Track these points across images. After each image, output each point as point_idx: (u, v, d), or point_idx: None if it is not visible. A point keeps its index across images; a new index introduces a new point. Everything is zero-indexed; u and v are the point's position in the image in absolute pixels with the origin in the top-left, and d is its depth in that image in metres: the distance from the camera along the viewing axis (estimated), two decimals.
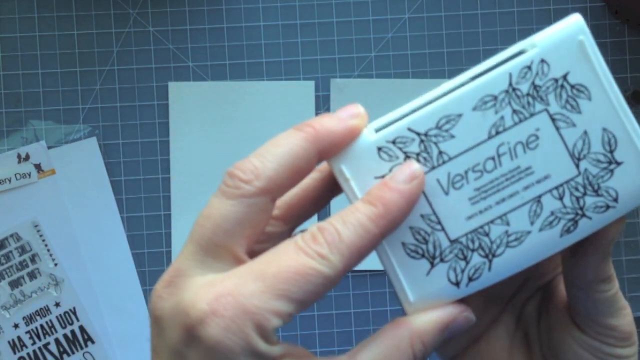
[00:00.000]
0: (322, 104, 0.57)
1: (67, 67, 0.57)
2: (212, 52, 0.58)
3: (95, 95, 0.57)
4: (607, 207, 0.27)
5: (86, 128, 0.57)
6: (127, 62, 0.57)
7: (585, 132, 0.27)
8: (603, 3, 0.58)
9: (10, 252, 0.56)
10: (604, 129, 0.27)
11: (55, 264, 0.56)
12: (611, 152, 0.27)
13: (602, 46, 0.58)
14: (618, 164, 0.27)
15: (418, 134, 0.27)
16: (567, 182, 0.27)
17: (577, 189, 0.27)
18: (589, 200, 0.27)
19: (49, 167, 0.56)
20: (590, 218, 0.27)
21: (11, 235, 0.56)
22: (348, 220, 0.25)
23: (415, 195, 0.27)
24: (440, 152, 0.27)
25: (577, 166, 0.27)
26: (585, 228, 0.27)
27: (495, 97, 0.27)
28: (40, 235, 0.56)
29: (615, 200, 0.27)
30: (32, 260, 0.56)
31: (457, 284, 0.28)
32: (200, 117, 0.57)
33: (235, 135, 0.57)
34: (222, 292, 0.24)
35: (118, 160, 0.57)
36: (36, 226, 0.56)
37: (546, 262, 0.32)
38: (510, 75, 0.27)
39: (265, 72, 0.58)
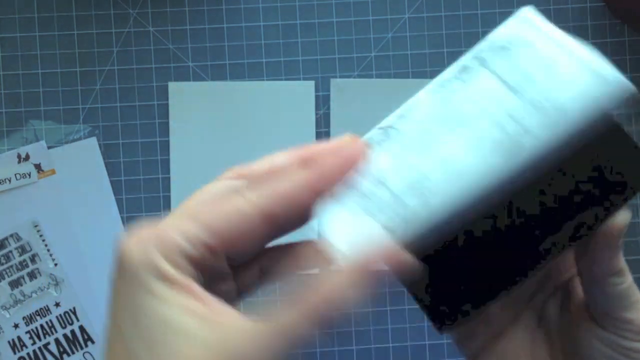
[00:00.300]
0: (322, 104, 0.57)
1: (67, 67, 0.57)
2: (212, 52, 0.58)
3: (95, 95, 0.57)
4: (555, 119, 0.26)
5: (86, 128, 0.57)
6: (127, 62, 0.57)
7: (525, 69, 0.27)
8: (603, 3, 0.58)
9: (10, 252, 0.56)
10: (543, 59, 0.27)
11: (55, 264, 0.56)
12: (550, 73, 0.26)
13: (602, 46, 0.58)
14: (559, 78, 0.26)
15: (384, 127, 0.28)
16: (507, 110, 0.26)
17: (519, 114, 0.26)
18: (533, 120, 0.26)
19: (49, 167, 0.56)
20: (536, 136, 0.26)
21: (11, 235, 0.56)
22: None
23: (349, 151, 0.26)
24: (395, 129, 0.28)
25: (517, 94, 0.27)
26: (534, 146, 0.26)
27: (449, 80, 0.29)
28: (40, 235, 0.56)
29: (561, 110, 0.26)
30: (32, 260, 0.56)
31: (393, 229, 0.26)
32: (200, 117, 0.57)
33: (235, 135, 0.57)
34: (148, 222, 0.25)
35: (118, 160, 0.57)
36: (36, 226, 0.56)
37: (563, 261, 0.33)
38: (463, 60, 0.29)
39: (265, 72, 0.58)
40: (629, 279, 0.30)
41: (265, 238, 0.26)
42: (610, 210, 0.28)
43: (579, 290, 0.33)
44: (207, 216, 0.24)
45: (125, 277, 0.24)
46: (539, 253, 0.28)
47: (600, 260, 0.30)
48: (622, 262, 0.30)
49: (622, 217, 0.29)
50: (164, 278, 0.23)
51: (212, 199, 0.26)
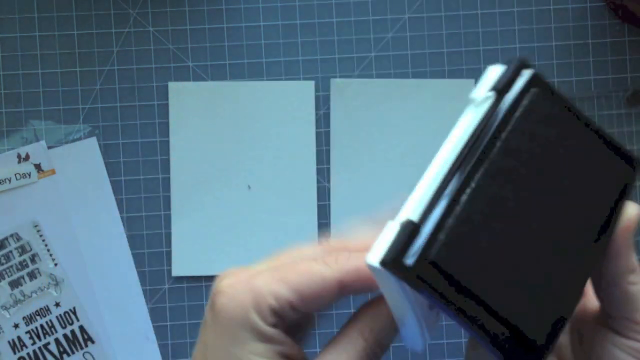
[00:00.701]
0: (322, 104, 0.57)
1: (67, 67, 0.57)
2: (212, 52, 0.58)
3: (95, 95, 0.57)
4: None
5: (86, 128, 0.57)
6: (127, 62, 0.57)
7: None
8: (603, 3, 0.58)
9: (10, 252, 0.56)
10: None
11: (55, 264, 0.56)
12: None
13: (602, 46, 0.58)
14: None
15: None
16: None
17: None
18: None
19: (49, 167, 0.56)
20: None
21: (11, 235, 0.56)
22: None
23: None
24: None
25: None
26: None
27: None
28: (40, 235, 0.56)
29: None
30: (32, 260, 0.56)
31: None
32: (200, 117, 0.57)
33: (235, 135, 0.57)
34: (243, 274, 0.29)
35: (118, 160, 0.57)
36: (36, 226, 0.56)
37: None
38: None
39: (265, 72, 0.58)
40: None
41: (336, 298, 0.29)
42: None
43: (589, 310, 0.32)
44: (294, 278, 0.29)
45: (223, 331, 0.28)
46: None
47: (619, 256, 0.29)
48: (636, 261, 0.29)
49: (633, 209, 0.29)
50: (258, 333, 0.28)
51: (300, 259, 0.30)
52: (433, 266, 0.25)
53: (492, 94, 0.28)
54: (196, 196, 0.57)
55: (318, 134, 0.57)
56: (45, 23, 0.57)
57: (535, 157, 0.27)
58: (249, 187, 0.57)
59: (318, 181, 0.57)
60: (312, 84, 0.57)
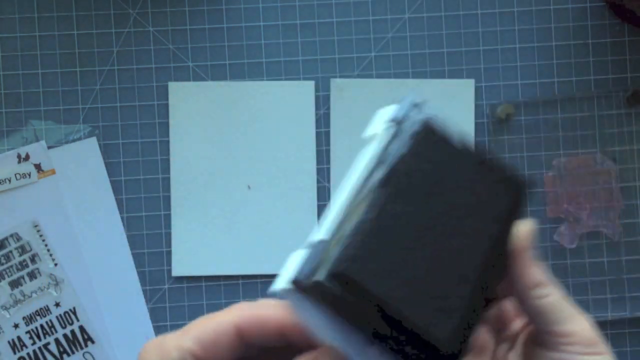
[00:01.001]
0: (322, 104, 0.57)
1: (67, 67, 0.57)
2: (212, 52, 0.58)
3: (95, 95, 0.57)
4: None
5: (86, 128, 0.57)
6: (127, 62, 0.57)
7: None
8: (603, 3, 0.58)
9: (10, 252, 0.56)
10: None
11: (55, 264, 0.56)
12: None
13: (602, 46, 0.58)
14: None
15: None
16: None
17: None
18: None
19: (49, 167, 0.56)
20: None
21: (11, 235, 0.56)
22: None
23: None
24: None
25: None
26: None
27: None
28: (40, 235, 0.56)
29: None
30: (32, 260, 0.56)
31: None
32: (200, 117, 0.57)
33: (235, 135, 0.57)
34: (161, 337, 0.31)
35: (118, 160, 0.57)
36: (36, 226, 0.56)
37: (511, 308, 0.33)
38: None
39: (265, 72, 0.58)
40: (555, 292, 0.30)
41: (239, 347, 0.30)
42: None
43: (532, 328, 0.32)
44: (195, 328, 0.30)
45: None
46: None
47: (520, 275, 0.29)
48: (541, 274, 0.30)
49: (524, 227, 0.29)
50: None
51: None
52: (343, 280, 0.26)
53: (389, 125, 0.30)
54: (196, 196, 0.57)
55: (318, 134, 0.57)
56: (45, 23, 0.57)
57: (433, 180, 0.29)
58: (249, 187, 0.57)
59: (318, 181, 0.57)
60: (312, 84, 0.57)
